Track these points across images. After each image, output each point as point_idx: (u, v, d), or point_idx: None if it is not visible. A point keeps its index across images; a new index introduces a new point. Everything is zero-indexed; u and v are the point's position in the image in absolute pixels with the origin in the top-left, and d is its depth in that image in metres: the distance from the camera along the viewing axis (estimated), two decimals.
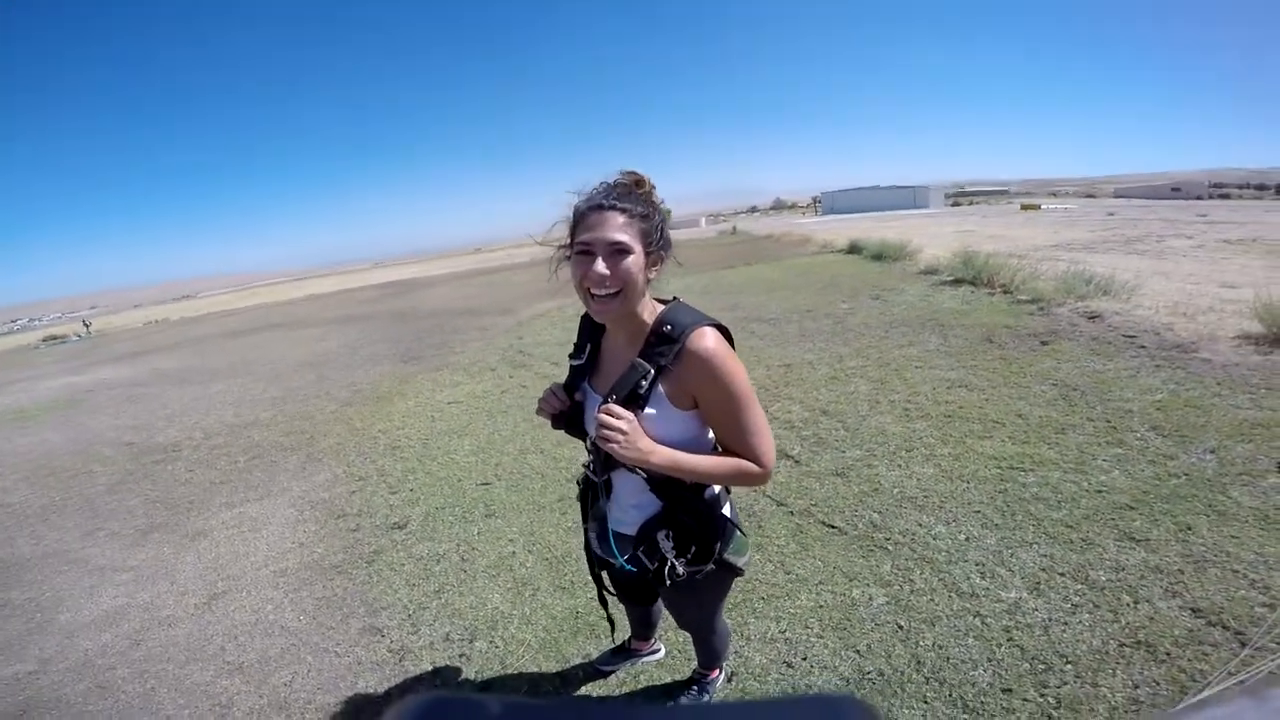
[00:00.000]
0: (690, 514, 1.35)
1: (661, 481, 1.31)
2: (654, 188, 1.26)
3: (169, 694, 2.40)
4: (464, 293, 18.14)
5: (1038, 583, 2.31)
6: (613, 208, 1.17)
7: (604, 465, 1.37)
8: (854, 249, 13.90)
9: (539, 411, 1.42)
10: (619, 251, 1.16)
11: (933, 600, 2.29)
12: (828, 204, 73.87)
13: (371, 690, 2.26)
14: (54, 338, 27.84)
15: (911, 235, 15.17)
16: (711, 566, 1.39)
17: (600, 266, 1.15)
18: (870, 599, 2.34)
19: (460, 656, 2.35)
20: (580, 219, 1.20)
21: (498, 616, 2.55)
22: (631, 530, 1.39)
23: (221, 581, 3.18)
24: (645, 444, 1.20)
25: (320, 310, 20.35)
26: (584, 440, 1.46)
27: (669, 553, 1.34)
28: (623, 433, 1.18)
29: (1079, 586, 2.27)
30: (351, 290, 29.87)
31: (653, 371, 1.21)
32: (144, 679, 2.51)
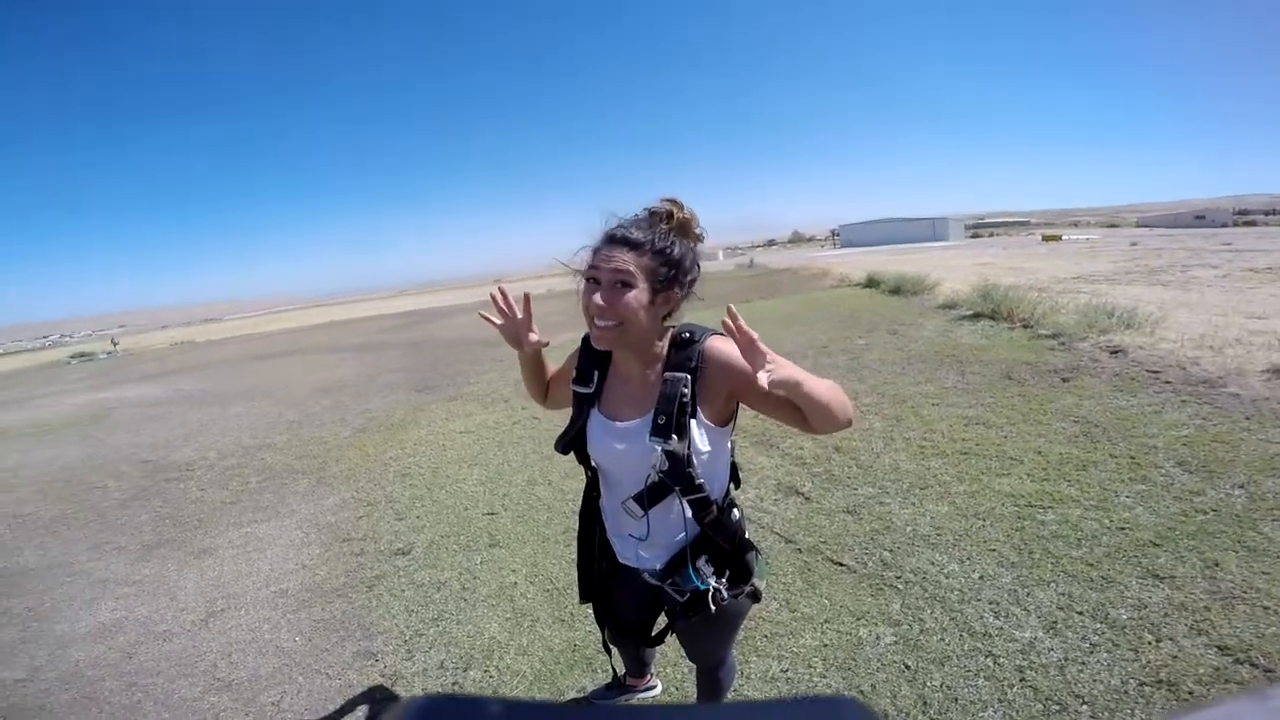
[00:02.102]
0: (725, 537, 1.33)
1: (700, 507, 1.28)
2: (690, 219, 1.25)
3: (154, 707, 2.39)
4: (480, 323, 18.27)
5: (1054, 622, 2.21)
6: (623, 241, 1.18)
7: (651, 498, 1.27)
8: (872, 283, 13.82)
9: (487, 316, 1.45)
10: (621, 284, 1.16)
11: (943, 640, 2.19)
12: (846, 237, 73.91)
13: (360, 715, 2.21)
14: (82, 354, 28.47)
15: (930, 268, 15.09)
16: (750, 587, 1.37)
17: (599, 298, 1.17)
18: (878, 638, 2.25)
19: (453, 684, 2.29)
20: (597, 248, 1.21)
21: (494, 646, 2.49)
22: (659, 564, 1.36)
23: (221, 599, 3.17)
24: (784, 361, 1.12)
25: (340, 337, 20.61)
26: (585, 467, 1.45)
27: (710, 578, 1.31)
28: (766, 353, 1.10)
29: (1098, 625, 2.17)
30: (371, 318, 30.28)
31: (689, 377, 1.20)
32: (131, 691, 2.50)
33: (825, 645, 2.25)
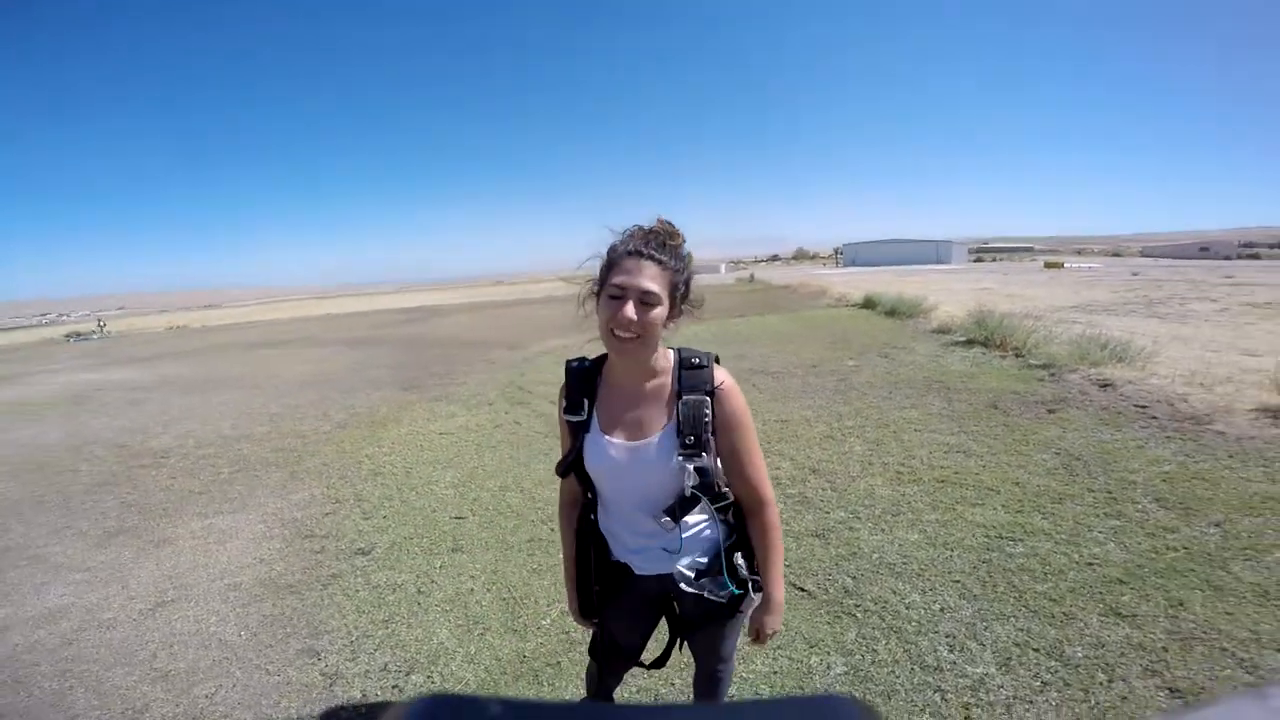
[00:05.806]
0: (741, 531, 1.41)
1: (726, 510, 1.35)
2: (684, 241, 1.29)
3: (84, 694, 2.37)
4: (477, 323, 18.29)
5: (1008, 658, 2.16)
6: (650, 257, 1.21)
7: (682, 509, 1.30)
8: (869, 303, 13.80)
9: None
10: (648, 302, 1.20)
11: (894, 672, 2.14)
12: (849, 256, 73.92)
13: (292, 712, 2.17)
14: (78, 334, 28.67)
15: (929, 291, 15.06)
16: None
17: (630, 311, 1.19)
18: (828, 667, 2.20)
19: (393, 688, 2.24)
20: (616, 262, 1.24)
21: (441, 652, 2.44)
22: (692, 572, 1.37)
23: (173, 590, 3.13)
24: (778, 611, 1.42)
25: (336, 330, 20.59)
26: (586, 487, 1.39)
27: (742, 569, 1.37)
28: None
29: (1052, 663, 2.12)
30: (369, 313, 30.27)
31: (709, 399, 1.27)
32: (64, 678, 2.48)
33: (775, 672, 2.19)
